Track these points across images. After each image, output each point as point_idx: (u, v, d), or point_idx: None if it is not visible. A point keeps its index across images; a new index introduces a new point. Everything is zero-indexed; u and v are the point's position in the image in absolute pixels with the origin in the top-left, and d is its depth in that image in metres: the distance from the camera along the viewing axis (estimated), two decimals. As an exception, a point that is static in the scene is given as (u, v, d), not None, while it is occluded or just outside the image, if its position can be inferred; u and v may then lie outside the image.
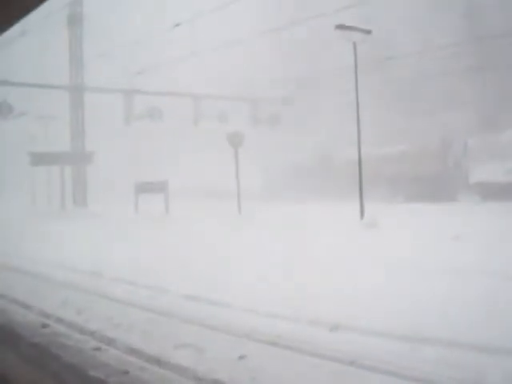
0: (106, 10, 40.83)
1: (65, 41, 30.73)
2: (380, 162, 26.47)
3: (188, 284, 9.35)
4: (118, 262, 11.85)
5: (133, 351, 6.14)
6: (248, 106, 34.71)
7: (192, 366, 5.52)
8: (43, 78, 33.85)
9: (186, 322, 7.38)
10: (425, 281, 8.55)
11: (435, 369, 5.22)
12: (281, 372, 5.45)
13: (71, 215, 27.73)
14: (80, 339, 6.81)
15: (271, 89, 36.59)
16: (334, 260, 10.74)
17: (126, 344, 6.37)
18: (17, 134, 39.62)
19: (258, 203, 25.49)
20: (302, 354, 5.85)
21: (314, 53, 37.74)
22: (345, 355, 5.64)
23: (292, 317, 7.11)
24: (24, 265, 13.20)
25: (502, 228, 12.44)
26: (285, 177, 33.86)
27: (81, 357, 6.08)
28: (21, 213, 31.18)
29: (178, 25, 26.09)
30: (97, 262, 12.21)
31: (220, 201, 26.90)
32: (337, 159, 31.04)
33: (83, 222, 23.06)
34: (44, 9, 5.59)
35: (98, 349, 6.35)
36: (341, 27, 17.78)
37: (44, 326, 7.49)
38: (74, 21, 30.03)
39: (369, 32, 18.54)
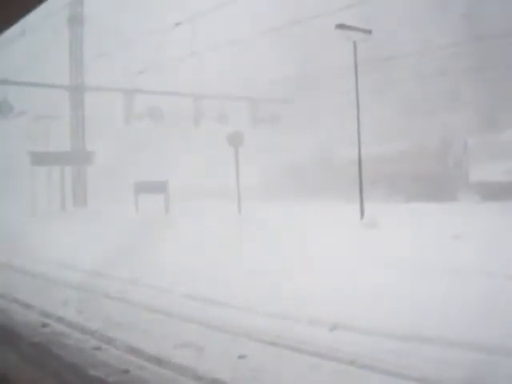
0: (107, 9, 40.79)
1: (65, 40, 30.74)
2: (380, 162, 26.43)
3: (188, 283, 9.35)
4: (117, 262, 11.84)
5: (133, 350, 6.14)
6: (248, 105, 34.71)
7: (192, 366, 5.53)
8: (43, 78, 33.81)
9: (186, 322, 7.39)
10: (425, 280, 8.54)
11: (435, 368, 5.23)
12: (281, 371, 5.46)
13: (71, 215, 27.74)
14: (80, 339, 6.82)
15: (271, 89, 36.56)
16: (334, 260, 10.73)
17: (127, 343, 6.37)
18: (17, 133, 39.58)
19: (257, 203, 25.44)
20: (302, 354, 5.85)
21: (314, 52, 37.70)
22: (345, 355, 5.65)
23: (292, 316, 7.11)
24: (24, 265, 13.20)
25: (502, 228, 12.43)
26: (285, 177, 33.81)
27: (81, 356, 6.09)
28: (21, 213, 31.17)
29: (178, 24, 26.11)
30: (97, 261, 12.20)
31: (220, 201, 26.87)
32: (337, 159, 31.01)
33: (83, 221, 23.04)
34: (44, 8, 5.60)
35: (98, 348, 6.36)
36: (341, 27, 17.76)
37: (44, 325, 7.50)
38: (75, 20, 30.04)
39: (369, 32, 18.53)
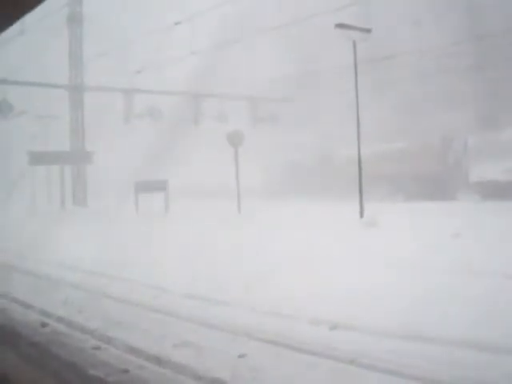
0: (106, 9, 40.78)
1: (64, 40, 30.72)
2: (380, 161, 26.42)
3: (188, 283, 9.35)
4: (117, 262, 11.84)
5: (133, 350, 6.14)
6: (248, 104, 34.69)
7: (192, 365, 5.53)
8: (43, 77, 33.81)
9: (185, 321, 7.39)
10: (425, 279, 8.55)
11: (435, 367, 5.23)
12: (281, 370, 5.46)
13: (71, 214, 27.72)
14: (80, 338, 6.82)
15: (271, 88, 36.56)
16: (334, 259, 10.73)
17: (126, 343, 6.37)
18: (16, 133, 39.58)
19: (257, 202, 25.46)
20: (301, 353, 5.85)
21: (313, 52, 37.70)
22: (344, 354, 5.65)
23: (292, 315, 7.11)
24: (24, 264, 13.20)
25: (501, 227, 12.43)
26: (285, 176, 33.82)
27: (81, 356, 6.09)
28: (21, 212, 31.17)
29: (177, 23, 26.09)
30: (97, 261, 12.21)
31: (220, 200, 26.87)
32: (336, 158, 31.02)
33: (83, 221, 23.03)
34: (43, 8, 5.59)
35: (97, 348, 6.36)
36: (341, 26, 17.75)
37: (44, 325, 7.50)
38: (74, 20, 30.01)
39: (369, 31, 18.52)
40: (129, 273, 10.78)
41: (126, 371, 5.52)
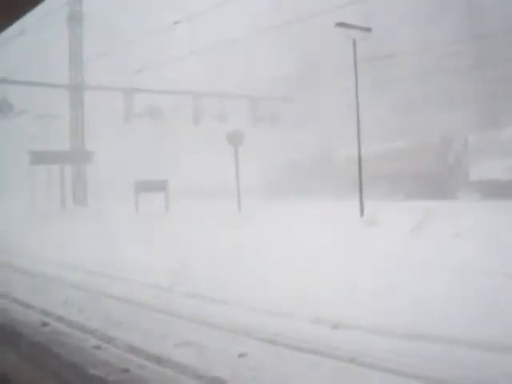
0: (106, 8, 40.79)
1: (64, 39, 30.70)
2: (380, 160, 26.42)
3: (188, 282, 9.35)
4: (117, 261, 11.85)
5: (133, 349, 6.15)
6: (248, 104, 34.68)
7: (192, 364, 5.53)
8: (43, 77, 33.83)
9: (186, 320, 7.39)
10: (425, 279, 8.55)
11: (435, 366, 5.23)
12: (281, 370, 5.46)
13: (71, 214, 27.73)
14: (80, 338, 6.82)
15: (271, 87, 36.56)
16: (335, 258, 10.74)
17: (127, 342, 6.37)
18: (16, 132, 39.60)
19: (258, 202, 25.47)
20: (302, 352, 5.85)
21: (313, 51, 37.69)
22: (345, 353, 5.65)
23: (293, 315, 7.11)
24: (24, 264, 13.20)
25: (502, 226, 12.43)
26: (285, 175, 33.82)
27: (81, 355, 6.10)
28: (21, 212, 31.17)
29: (177, 23, 26.08)
30: (97, 261, 12.21)
31: (220, 199, 26.88)
32: (337, 157, 31.02)
33: (83, 221, 23.04)
34: (43, 7, 5.59)
35: (98, 347, 6.36)
36: (340, 25, 17.73)
37: (44, 324, 7.50)
38: (74, 19, 29.99)
39: (369, 30, 18.51)
40: (129, 272, 10.78)
41: (126, 370, 5.53)
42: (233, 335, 6.55)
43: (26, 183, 42.14)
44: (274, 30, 30.44)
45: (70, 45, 30.45)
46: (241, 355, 5.75)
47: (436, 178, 25.76)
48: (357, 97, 17.88)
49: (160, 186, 27.55)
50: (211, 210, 22.69)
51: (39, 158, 30.17)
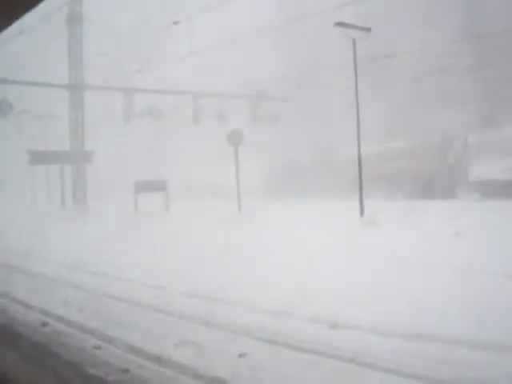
0: (106, 8, 40.81)
1: (64, 39, 30.69)
2: (380, 160, 26.44)
3: (188, 282, 9.36)
4: (117, 261, 11.85)
5: (133, 349, 6.15)
6: (248, 104, 34.67)
7: (192, 364, 5.53)
8: (43, 77, 33.80)
9: (185, 320, 7.39)
10: (425, 278, 8.55)
11: (435, 366, 5.23)
12: (281, 370, 5.46)
13: (71, 214, 27.74)
14: (80, 337, 6.82)
15: (271, 87, 36.54)
16: (334, 258, 10.74)
17: (126, 342, 6.37)
18: (16, 132, 39.59)
19: (258, 201, 25.47)
20: (302, 352, 5.85)
21: (313, 51, 37.70)
22: (345, 353, 5.65)
23: (292, 315, 7.11)
24: (24, 263, 13.20)
25: (502, 226, 12.43)
26: (285, 175, 33.83)
27: (81, 355, 6.09)
28: (21, 211, 31.18)
29: (176, 23, 26.08)
30: (97, 260, 12.21)
31: (220, 199, 26.88)
32: (336, 157, 31.04)
33: (82, 220, 23.06)
34: (43, 7, 5.59)
35: (98, 347, 6.36)
36: (340, 24, 17.75)
37: (44, 324, 7.50)
38: (74, 19, 29.98)
39: (368, 29, 18.53)
40: (129, 272, 10.78)
41: (126, 370, 5.53)
42: (233, 335, 6.55)
43: (26, 183, 42.16)
44: (273, 29, 30.45)
45: (69, 45, 30.44)
46: (241, 355, 5.75)
47: (436, 178, 25.77)
48: (357, 97, 17.89)
49: (159, 186, 27.57)
50: (211, 210, 22.69)
51: (38, 157, 30.19)
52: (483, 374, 4.96)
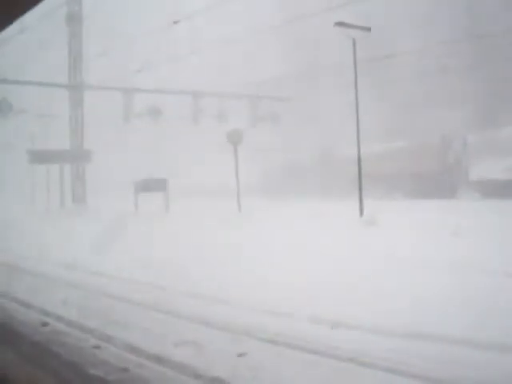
0: (105, 7, 40.77)
1: (64, 39, 30.68)
2: (380, 160, 26.45)
3: (188, 282, 9.35)
4: (117, 261, 11.84)
5: (133, 349, 6.14)
6: (248, 104, 34.66)
7: (192, 364, 5.52)
8: (43, 76, 33.80)
9: (185, 320, 7.39)
10: (425, 278, 8.55)
11: (435, 366, 5.23)
12: (281, 369, 5.46)
13: (70, 214, 27.72)
14: (80, 337, 6.82)
15: (271, 87, 36.54)
16: (334, 258, 10.75)
17: (126, 342, 6.37)
18: (16, 132, 39.59)
19: (258, 201, 25.48)
20: (302, 352, 5.85)
21: (313, 50, 37.70)
22: (345, 353, 5.65)
23: (292, 314, 7.11)
24: (24, 263, 13.20)
25: (501, 225, 12.44)
26: (284, 175, 33.85)
27: (81, 355, 6.09)
28: (20, 211, 31.16)
29: (176, 22, 26.07)
30: (97, 260, 12.20)
31: (220, 199, 26.88)
32: (336, 157, 31.04)
33: (82, 220, 23.04)
34: (43, 7, 5.58)
35: (97, 347, 6.36)
36: (340, 24, 17.75)
37: (44, 324, 7.50)
38: (74, 19, 29.98)
39: (368, 29, 18.53)
40: (129, 272, 10.77)
41: (126, 370, 5.52)
42: (232, 335, 6.54)
43: (26, 183, 42.14)
44: (273, 29, 30.43)
45: (69, 44, 30.44)
46: (240, 355, 5.74)
47: (436, 178, 25.79)
48: (356, 96, 17.89)
49: (159, 186, 27.54)
50: (211, 210, 22.69)
51: (38, 157, 30.19)
52: (483, 374, 4.96)
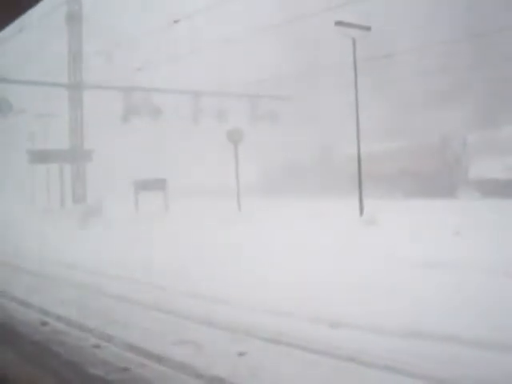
0: (106, 7, 40.76)
1: (64, 38, 30.65)
2: (379, 159, 26.44)
3: (188, 281, 9.35)
4: (117, 260, 11.84)
5: (132, 348, 6.14)
6: (248, 103, 34.63)
7: (192, 363, 5.52)
8: (42, 76, 33.77)
9: (186, 319, 7.39)
10: (424, 277, 8.55)
11: (435, 366, 5.23)
12: (281, 369, 5.45)
13: (70, 213, 27.70)
14: (80, 337, 6.82)
15: (271, 86, 36.52)
16: (334, 257, 10.74)
17: (126, 341, 6.37)
18: (16, 131, 39.58)
19: (258, 200, 25.47)
20: (302, 351, 5.85)
21: (313, 50, 37.70)
22: (345, 352, 5.65)
23: (292, 314, 7.11)
24: (23, 263, 13.20)
25: (501, 224, 12.43)
26: (284, 174, 33.84)
27: (81, 354, 6.09)
28: (20, 211, 31.15)
29: (176, 21, 26.04)
30: (97, 260, 12.20)
31: (220, 198, 26.87)
32: (336, 156, 31.04)
33: (82, 219, 23.01)
34: (43, 6, 5.58)
35: (97, 346, 6.36)
36: (340, 23, 17.74)
37: (44, 323, 7.50)
38: (73, 18, 29.95)
39: (368, 29, 18.51)
40: (129, 272, 10.77)
41: (126, 369, 5.52)
42: (233, 334, 6.54)
43: (26, 182, 42.14)
44: (273, 28, 30.40)
45: (69, 43, 30.41)
46: (240, 354, 5.75)
47: (435, 177, 25.77)
48: (356, 96, 17.88)
49: (159, 185, 27.54)
50: (211, 210, 22.68)
51: (38, 157, 30.17)
52: (483, 374, 4.96)
